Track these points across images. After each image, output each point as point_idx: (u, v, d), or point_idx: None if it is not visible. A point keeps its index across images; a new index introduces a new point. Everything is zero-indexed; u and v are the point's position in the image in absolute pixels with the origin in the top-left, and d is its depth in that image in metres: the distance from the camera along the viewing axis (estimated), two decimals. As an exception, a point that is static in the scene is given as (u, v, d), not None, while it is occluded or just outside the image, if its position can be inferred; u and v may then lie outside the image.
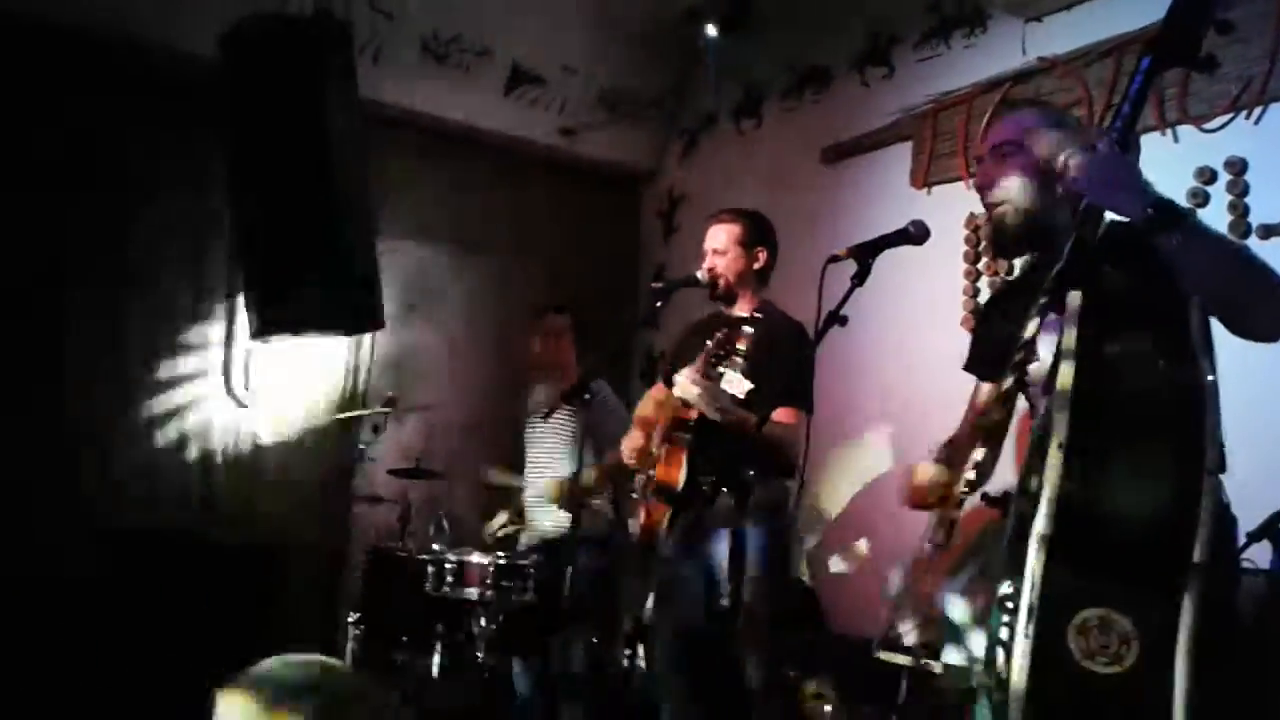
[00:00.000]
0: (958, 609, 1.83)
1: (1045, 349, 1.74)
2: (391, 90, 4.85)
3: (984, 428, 1.86)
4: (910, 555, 1.97)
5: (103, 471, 4.38)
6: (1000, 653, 1.50)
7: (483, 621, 3.87)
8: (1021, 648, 1.38)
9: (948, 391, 2.39)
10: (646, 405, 3.53)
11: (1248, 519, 2.51)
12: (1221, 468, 1.75)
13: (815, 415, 2.94)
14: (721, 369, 3.08)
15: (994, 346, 2.06)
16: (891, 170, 4.67)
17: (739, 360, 3.03)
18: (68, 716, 3.84)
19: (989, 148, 2.07)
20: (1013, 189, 2.01)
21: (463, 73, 5.30)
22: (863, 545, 4.12)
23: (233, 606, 4.12)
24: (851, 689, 3.46)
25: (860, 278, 2.35)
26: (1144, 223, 1.64)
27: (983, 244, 4.13)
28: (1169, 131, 3.64)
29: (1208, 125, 3.57)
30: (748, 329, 3.01)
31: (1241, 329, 1.73)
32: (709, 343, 3.07)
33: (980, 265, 4.21)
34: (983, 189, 2.06)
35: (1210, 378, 1.46)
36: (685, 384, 3.06)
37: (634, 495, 3.38)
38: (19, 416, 4.20)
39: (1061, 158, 1.81)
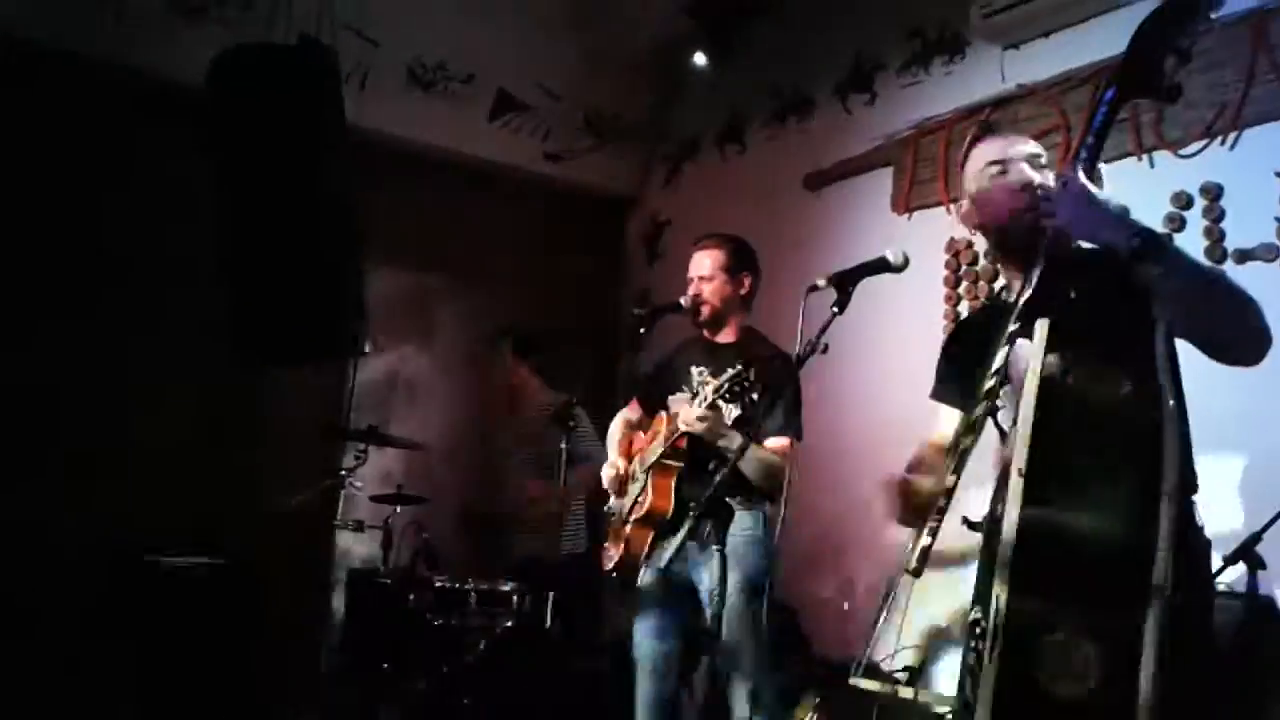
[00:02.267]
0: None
1: (1015, 375, 1.75)
2: (377, 117, 4.87)
3: (956, 454, 1.87)
4: (887, 580, 1.97)
5: (90, 496, 4.37)
6: (968, 677, 1.51)
7: (464, 647, 3.86)
8: (987, 672, 1.39)
9: (928, 416, 2.40)
10: (618, 428, 3.55)
11: (1230, 541, 2.54)
12: (1190, 490, 1.77)
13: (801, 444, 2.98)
14: (726, 414, 3.10)
15: (960, 374, 2.08)
16: (873, 195, 4.70)
17: (743, 403, 3.07)
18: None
19: (1027, 155, 2.03)
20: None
21: (448, 99, 5.34)
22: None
23: (215, 631, 4.11)
24: (834, 714, 3.45)
25: (841, 305, 2.37)
26: (1130, 254, 1.66)
27: (963, 267, 4.17)
28: (1145, 157, 3.68)
29: (1183, 151, 3.60)
30: (757, 369, 3.01)
31: (1220, 354, 1.74)
32: (712, 378, 3.08)
33: (960, 289, 4.25)
34: (1024, 188, 2.02)
35: (1171, 403, 1.47)
36: (691, 417, 3.07)
37: (611, 521, 3.38)
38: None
39: (1038, 196, 1.83)
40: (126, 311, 4.59)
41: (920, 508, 1.99)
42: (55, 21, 4.38)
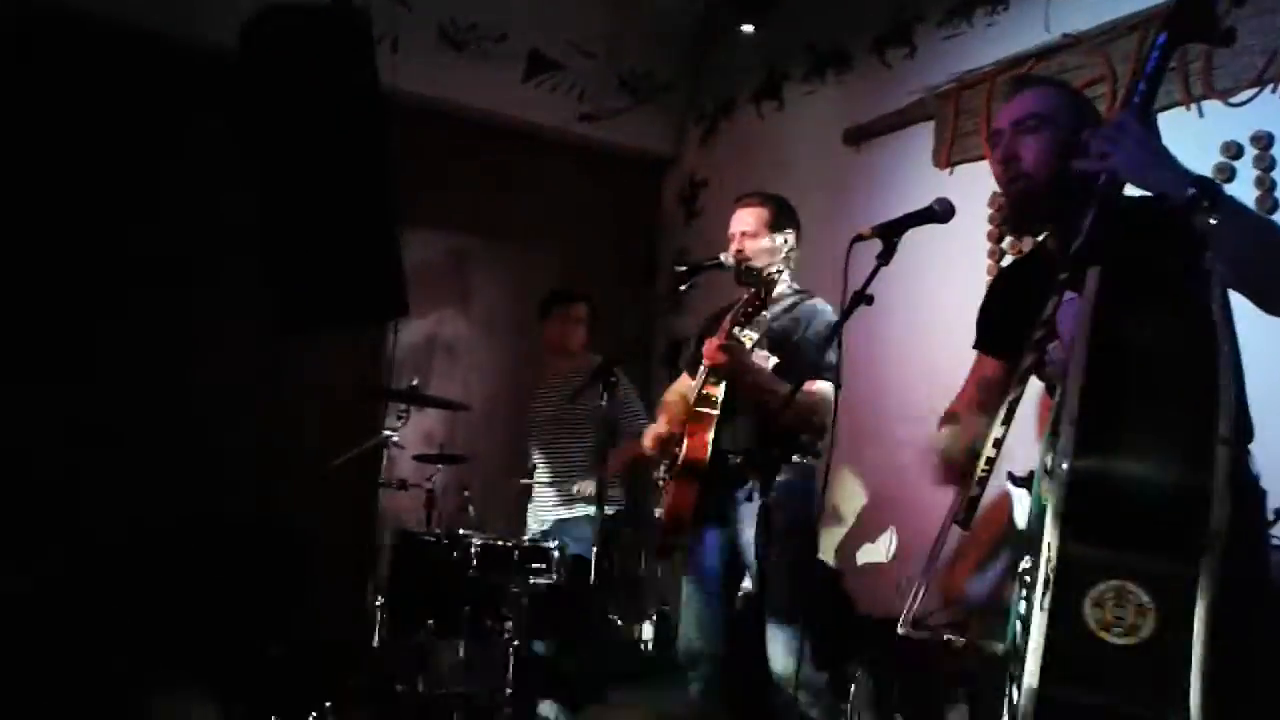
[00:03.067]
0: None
1: (1064, 326, 1.73)
2: (411, 79, 4.85)
3: (1004, 405, 1.85)
4: (935, 534, 1.96)
5: (143, 460, 4.45)
6: (1018, 626, 1.50)
7: (508, 605, 3.90)
8: (1038, 620, 1.38)
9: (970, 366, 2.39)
10: (672, 395, 3.55)
11: None
12: (1247, 439, 1.74)
13: (843, 396, 2.95)
14: (748, 343, 3.10)
15: (1004, 323, 2.05)
16: (914, 150, 4.64)
17: (761, 327, 3.07)
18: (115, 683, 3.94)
19: (1010, 122, 2.05)
20: (1037, 162, 1.99)
21: (481, 60, 5.32)
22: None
23: (263, 591, 4.18)
24: (881, 671, 3.45)
25: (885, 257, 2.33)
26: (1186, 202, 1.63)
27: (1001, 219, 4.10)
28: (1194, 107, 3.60)
29: (1233, 100, 3.52)
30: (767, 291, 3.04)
31: (1272, 304, 1.71)
32: (753, 333, 3.10)
33: (1004, 244, 4.19)
34: (1003, 163, 2.04)
35: (1226, 350, 1.45)
36: (711, 349, 3.10)
37: (659, 482, 3.39)
38: (54, 406, 4.28)
39: (1091, 137, 1.79)
40: (167, 280, 4.64)
41: (955, 465, 1.99)
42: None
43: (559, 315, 4.61)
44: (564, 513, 4.41)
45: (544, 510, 4.49)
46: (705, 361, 3.14)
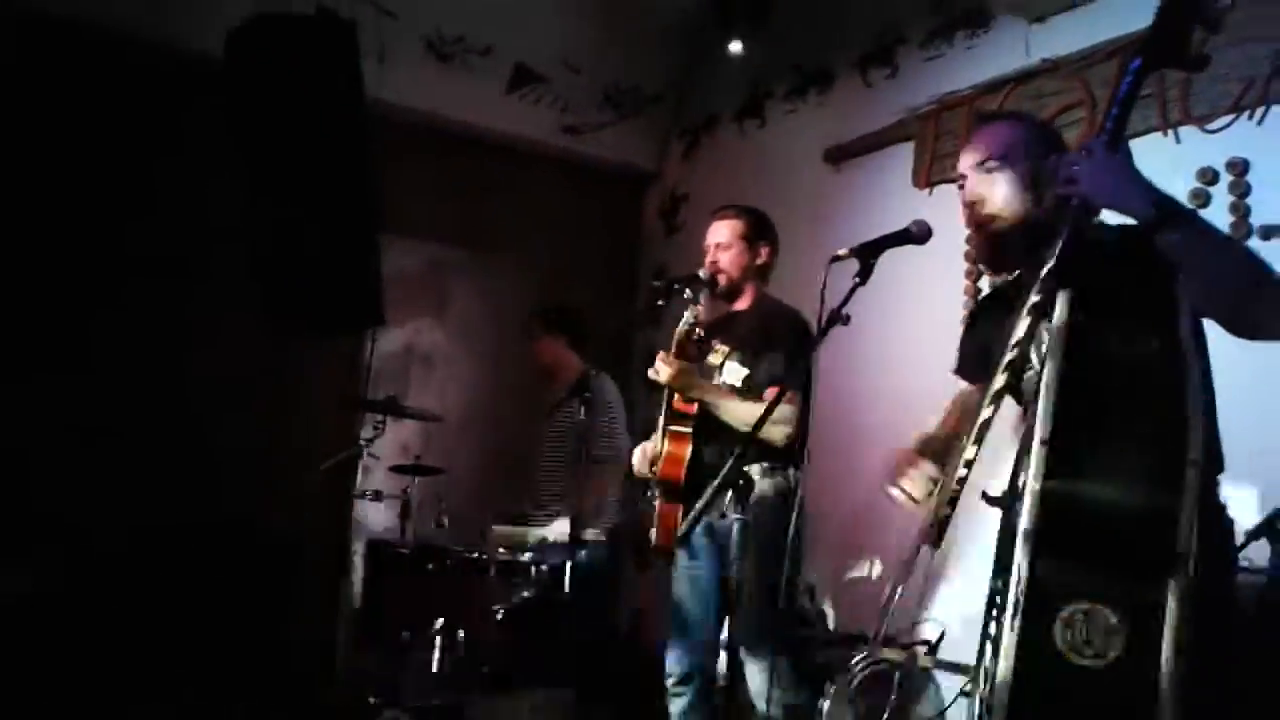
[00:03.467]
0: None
1: (1035, 348, 1.75)
2: (396, 90, 4.86)
3: (976, 425, 1.86)
4: (905, 553, 1.97)
5: (126, 467, 4.42)
6: (988, 648, 1.51)
7: (482, 616, 3.88)
8: (1007, 642, 1.38)
9: (950, 389, 2.40)
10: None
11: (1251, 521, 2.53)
12: (1217, 468, 1.76)
13: (819, 414, 2.94)
14: (719, 358, 3.11)
15: (983, 349, 2.07)
16: (894, 170, 4.66)
17: (730, 345, 3.08)
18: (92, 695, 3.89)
19: (970, 165, 2.06)
20: (1004, 201, 2.01)
21: (466, 72, 5.32)
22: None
23: (237, 602, 4.15)
24: (850, 688, 3.45)
25: (863, 277, 2.35)
26: (1149, 220, 1.64)
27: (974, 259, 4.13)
28: (1170, 132, 3.63)
29: (1210, 126, 3.56)
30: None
31: (1242, 328, 1.73)
32: (726, 346, 3.11)
33: (986, 273, 4.21)
34: (968, 206, 2.06)
35: (1196, 375, 1.46)
36: (660, 365, 3.12)
37: (650, 500, 3.37)
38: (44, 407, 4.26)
39: (1057, 165, 1.81)
40: (149, 287, 4.60)
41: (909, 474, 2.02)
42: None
43: (534, 332, 4.62)
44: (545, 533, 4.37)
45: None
46: (650, 374, 3.15)
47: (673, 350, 3.18)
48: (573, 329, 4.53)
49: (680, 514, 3.15)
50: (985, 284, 4.16)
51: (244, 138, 3.87)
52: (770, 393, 3.02)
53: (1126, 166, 1.71)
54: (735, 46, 5.30)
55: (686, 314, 3.24)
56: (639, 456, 3.37)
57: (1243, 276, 1.70)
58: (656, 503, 3.24)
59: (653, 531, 3.23)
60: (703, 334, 3.21)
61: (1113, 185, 1.69)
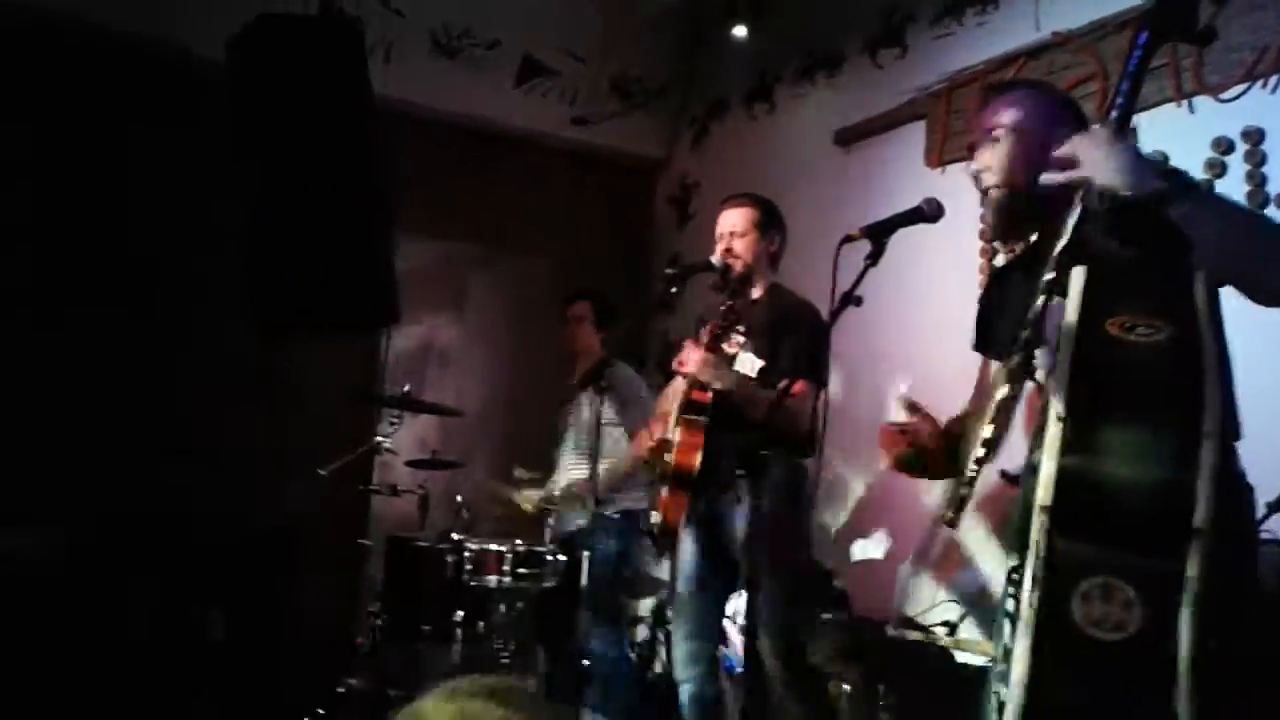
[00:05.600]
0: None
1: (1051, 325, 1.73)
2: (404, 87, 4.86)
3: (993, 404, 1.85)
4: (925, 533, 1.96)
5: (137, 459, 4.44)
6: (1006, 624, 1.50)
7: (502, 609, 3.89)
8: (1026, 617, 1.38)
9: (965, 368, 2.38)
10: (665, 400, 3.54)
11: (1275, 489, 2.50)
12: (1234, 436, 1.74)
13: (834, 397, 2.94)
14: (734, 349, 3.10)
15: (1000, 324, 2.05)
16: (906, 150, 4.63)
17: (745, 336, 3.08)
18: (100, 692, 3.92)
19: (985, 130, 2.04)
20: (1009, 170, 1.99)
21: (474, 66, 5.33)
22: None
23: (256, 596, 4.17)
24: (871, 670, 3.44)
25: (874, 257, 2.33)
26: (1153, 195, 1.63)
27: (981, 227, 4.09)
28: (1185, 103, 3.59)
29: (1224, 95, 3.50)
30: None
31: (1261, 295, 1.71)
32: (711, 321, 3.11)
33: (996, 243, 4.18)
34: (974, 176, 2.05)
35: (1212, 346, 1.44)
36: (689, 357, 3.11)
37: (654, 485, 3.38)
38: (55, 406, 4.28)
39: (1062, 143, 1.79)
40: (160, 284, 4.63)
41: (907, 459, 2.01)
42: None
43: (562, 317, 4.63)
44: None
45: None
46: (675, 366, 3.15)
47: (704, 342, 3.16)
48: (610, 319, 4.55)
49: (687, 502, 3.16)
50: (1000, 261, 4.14)
51: (251, 140, 3.87)
52: (796, 387, 3.02)
53: (1126, 146, 1.69)
54: (742, 31, 5.28)
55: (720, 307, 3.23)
56: (644, 445, 3.38)
57: (1260, 244, 1.68)
58: (664, 489, 3.24)
59: (661, 517, 3.24)
60: (742, 327, 3.17)
61: (1110, 165, 1.67)
